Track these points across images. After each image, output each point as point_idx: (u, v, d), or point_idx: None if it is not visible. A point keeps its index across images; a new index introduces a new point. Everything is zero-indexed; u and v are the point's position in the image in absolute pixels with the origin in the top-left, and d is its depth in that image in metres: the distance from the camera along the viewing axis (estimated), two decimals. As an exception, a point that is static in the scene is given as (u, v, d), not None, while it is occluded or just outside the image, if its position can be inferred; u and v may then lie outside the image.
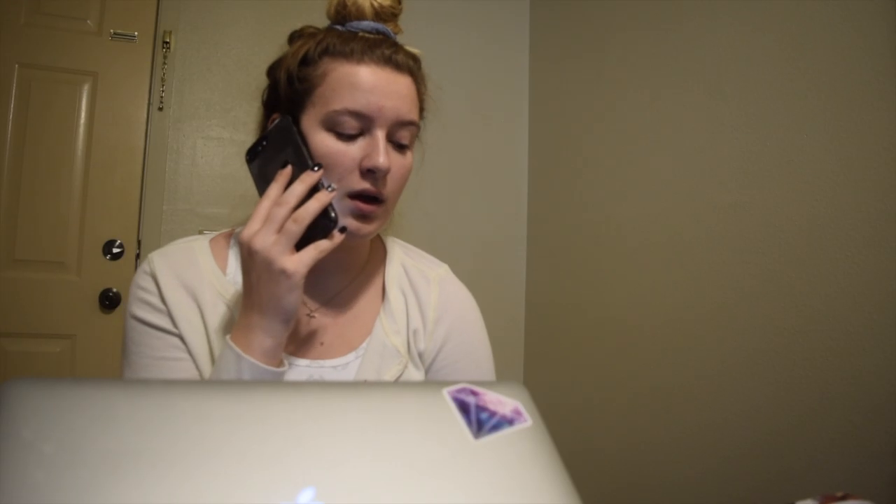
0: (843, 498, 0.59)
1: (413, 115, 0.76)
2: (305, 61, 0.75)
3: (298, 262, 0.67)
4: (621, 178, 1.98)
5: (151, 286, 0.77)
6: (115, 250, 2.00)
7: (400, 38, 0.81)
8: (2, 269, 1.92)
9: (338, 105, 0.72)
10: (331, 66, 0.74)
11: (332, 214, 0.70)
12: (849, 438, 1.28)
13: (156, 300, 0.76)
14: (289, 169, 0.72)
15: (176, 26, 2.12)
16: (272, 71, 0.80)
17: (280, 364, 0.71)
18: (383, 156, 0.72)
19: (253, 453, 0.31)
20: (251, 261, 0.68)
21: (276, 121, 0.77)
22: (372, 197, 0.74)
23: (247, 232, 0.69)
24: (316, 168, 0.71)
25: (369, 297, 0.85)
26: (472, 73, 2.46)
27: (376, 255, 0.88)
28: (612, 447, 1.93)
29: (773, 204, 1.47)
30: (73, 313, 1.96)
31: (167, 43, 2.09)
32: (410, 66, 0.77)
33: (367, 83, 0.72)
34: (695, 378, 1.66)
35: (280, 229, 0.68)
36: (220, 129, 2.14)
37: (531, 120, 2.50)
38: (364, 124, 0.73)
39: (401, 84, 0.75)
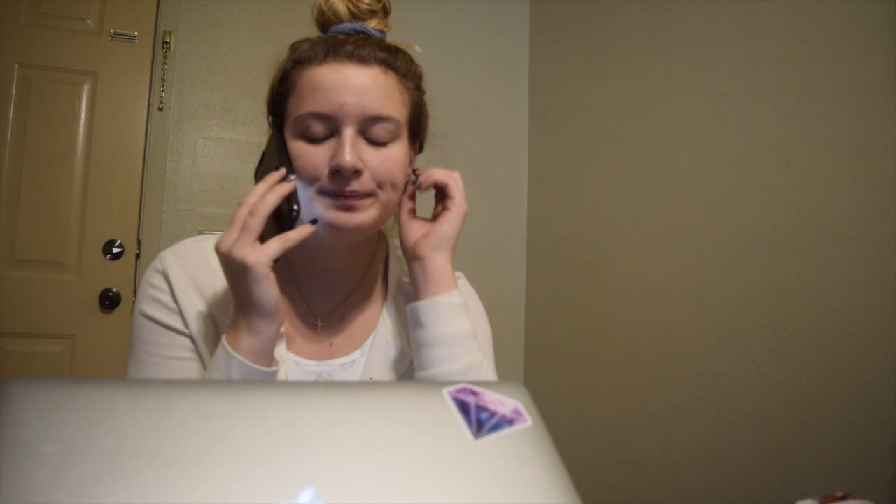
0: (843, 498, 0.59)
1: (385, 109, 0.73)
2: (283, 77, 0.76)
3: (260, 254, 0.67)
4: (621, 177, 1.98)
5: (163, 285, 0.76)
6: (115, 250, 2.00)
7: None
8: (2, 269, 1.92)
9: (303, 110, 0.72)
10: (298, 75, 0.74)
11: (295, 206, 0.71)
12: (849, 438, 1.28)
13: (167, 299, 0.76)
14: (265, 178, 0.73)
15: (176, 26, 2.12)
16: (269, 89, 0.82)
17: (270, 364, 0.71)
18: (347, 154, 0.70)
19: (253, 453, 0.31)
20: (221, 263, 0.69)
21: (269, 136, 0.79)
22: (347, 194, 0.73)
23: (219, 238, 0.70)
24: (278, 168, 0.72)
25: (373, 295, 0.86)
26: (472, 73, 2.46)
27: (379, 255, 0.89)
28: (613, 447, 1.93)
29: (774, 205, 1.47)
30: (73, 313, 1.96)
31: (167, 43, 2.09)
32: (382, 58, 0.74)
33: (326, 83, 0.71)
34: (695, 379, 1.66)
35: (241, 227, 0.68)
36: (220, 129, 2.14)
37: (531, 120, 2.50)
38: (331, 125, 0.72)
39: (365, 78, 0.72)
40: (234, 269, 0.67)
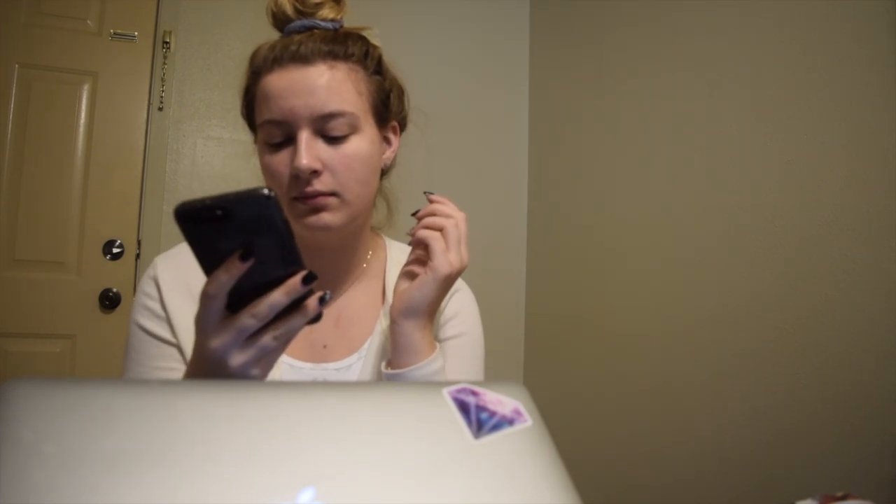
0: (843, 498, 0.59)
1: (335, 104, 0.71)
2: (246, 91, 0.79)
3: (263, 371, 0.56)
4: (621, 178, 1.98)
5: (153, 291, 0.76)
6: (115, 250, 2.00)
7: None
8: (2, 269, 1.92)
9: (260, 119, 0.74)
10: (256, 86, 0.76)
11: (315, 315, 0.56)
12: (849, 438, 1.28)
13: (156, 306, 0.76)
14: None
15: (176, 26, 2.12)
16: None
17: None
18: (303, 157, 0.70)
19: (253, 453, 0.31)
20: (211, 362, 0.55)
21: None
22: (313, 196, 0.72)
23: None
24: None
25: (369, 298, 0.85)
26: (472, 73, 2.46)
27: (376, 258, 0.88)
28: (613, 447, 1.93)
29: (774, 205, 1.47)
30: (73, 313, 1.96)
31: (167, 43, 2.09)
32: (327, 51, 0.73)
33: (274, 90, 0.72)
34: (695, 378, 1.66)
35: (257, 345, 0.55)
36: (220, 129, 2.14)
37: (531, 120, 2.50)
38: (286, 130, 0.72)
39: (310, 77, 0.72)
40: (217, 370, 0.55)
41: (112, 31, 2.03)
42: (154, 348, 0.75)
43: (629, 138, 1.96)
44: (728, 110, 1.61)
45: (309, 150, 0.71)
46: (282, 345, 0.55)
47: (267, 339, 0.54)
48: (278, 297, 0.53)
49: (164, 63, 2.09)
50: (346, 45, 0.74)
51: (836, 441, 1.31)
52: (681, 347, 1.71)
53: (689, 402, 1.67)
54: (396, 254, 0.89)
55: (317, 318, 0.56)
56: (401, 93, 0.83)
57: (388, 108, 0.80)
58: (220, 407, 0.33)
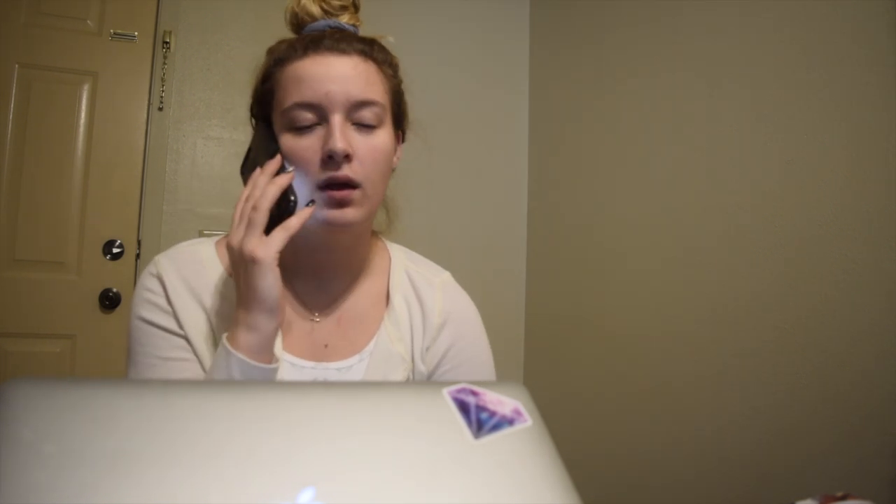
0: (843, 498, 0.59)
1: (369, 93, 0.75)
2: (265, 78, 0.79)
3: (266, 247, 0.69)
4: (621, 178, 1.98)
5: (158, 288, 0.77)
6: (115, 250, 2.00)
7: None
8: (2, 269, 1.92)
9: (289, 102, 0.74)
10: (281, 72, 0.76)
11: (292, 197, 0.72)
12: (849, 438, 1.28)
13: (162, 301, 0.76)
14: (258, 170, 0.74)
15: (176, 26, 2.12)
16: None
17: (270, 361, 0.71)
18: (338, 139, 0.71)
19: (252, 453, 0.31)
20: (232, 259, 0.71)
21: (253, 132, 0.80)
22: (342, 184, 0.73)
23: (228, 236, 0.71)
24: (277, 157, 0.74)
25: (372, 302, 0.85)
26: (472, 73, 2.46)
27: (379, 260, 0.88)
28: (613, 447, 1.93)
29: (774, 205, 1.47)
30: (73, 313, 1.96)
31: (167, 43, 2.09)
32: (360, 48, 0.77)
33: (310, 73, 0.74)
34: (695, 378, 1.66)
35: (248, 221, 0.70)
36: (220, 129, 2.14)
37: (531, 120, 2.50)
38: (318, 114, 0.74)
39: (346, 66, 0.75)
40: (243, 264, 0.69)
41: (112, 31, 2.03)
42: (161, 340, 0.75)
43: (629, 138, 1.96)
44: (728, 110, 1.61)
45: (343, 135, 0.73)
46: (263, 214, 0.70)
47: (251, 213, 0.70)
48: (260, 178, 0.73)
49: (164, 63, 2.09)
50: (373, 47, 0.79)
51: (836, 441, 1.31)
52: (681, 347, 1.71)
53: (689, 402, 1.67)
54: (402, 258, 0.89)
55: (294, 203, 0.72)
56: (406, 103, 0.86)
57: (401, 112, 0.83)
58: (220, 407, 0.33)
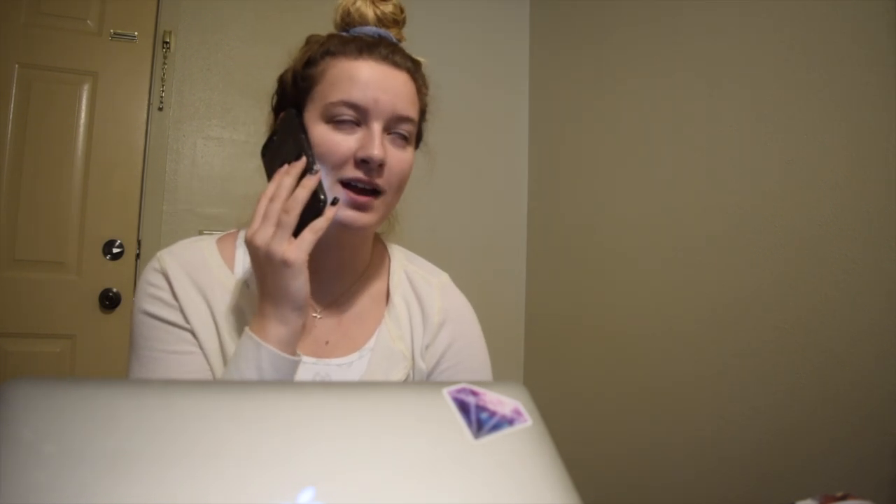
0: (843, 498, 0.59)
1: (410, 111, 0.78)
2: (309, 63, 0.79)
3: (297, 250, 0.70)
4: (621, 178, 1.98)
5: (163, 283, 0.77)
6: (115, 250, 2.00)
7: (404, 46, 0.83)
8: (2, 269, 1.92)
9: (335, 97, 0.75)
10: (331, 64, 0.77)
11: (322, 196, 0.73)
12: (849, 438, 1.28)
13: (167, 296, 0.77)
14: (285, 167, 0.75)
15: (176, 26, 2.12)
16: (281, 77, 0.83)
17: (295, 353, 0.73)
18: (377, 147, 0.74)
19: (253, 453, 0.31)
20: (256, 257, 0.72)
21: (283, 115, 0.80)
22: (366, 188, 0.75)
23: (249, 231, 0.72)
24: (299, 156, 0.74)
25: (373, 300, 0.87)
26: (472, 73, 2.46)
27: (379, 261, 0.90)
28: (613, 447, 1.93)
29: (774, 205, 1.47)
30: (73, 313, 1.96)
31: (167, 43, 2.09)
32: (409, 66, 0.80)
33: (363, 77, 0.75)
34: (695, 378, 1.66)
35: (276, 222, 0.71)
36: (220, 129, 2.14)
37: (531, 120, 2.50)
38: (360, 116, 0.75)
39: (398, 80, 0.77)
40: (270, 265, 0.70)
41: (112, 31, 2.03)
42: (166, 333, 0.76)
43: (629, 138, 1.96)
44: (728, 110, 1.61)
45: (381, 143, 0.74)
46: (294, 217, 0.71)
47: (282, 216, 0.71)
48: (286, 178, 0.73)
49: (164, 63, 2.09)
50: (418, 69, 0.83)
51: (836, 441, 1.31)
52: (681, 347, 1.71)
53: (689, 403, 1.67)
54: (401, 258, 0.91)
55: (324, 203, 0.72)
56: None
57: (422, 132, 0.86)
58: (220, 407, 0.33)
